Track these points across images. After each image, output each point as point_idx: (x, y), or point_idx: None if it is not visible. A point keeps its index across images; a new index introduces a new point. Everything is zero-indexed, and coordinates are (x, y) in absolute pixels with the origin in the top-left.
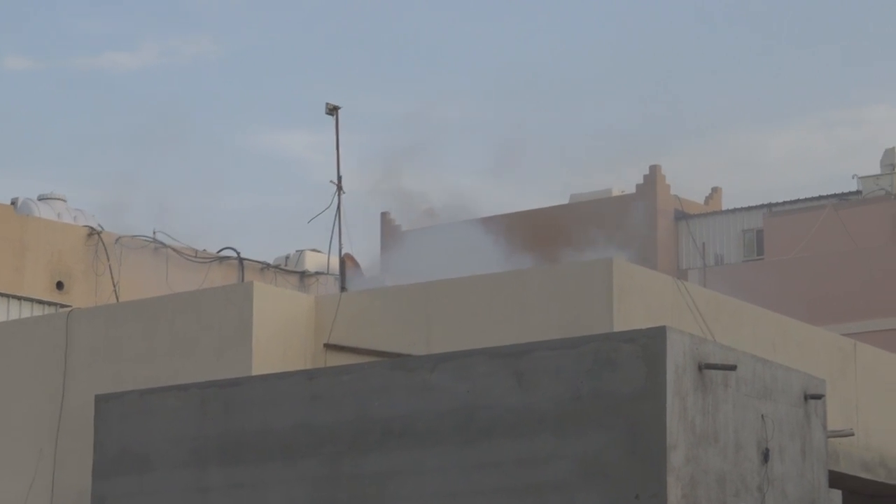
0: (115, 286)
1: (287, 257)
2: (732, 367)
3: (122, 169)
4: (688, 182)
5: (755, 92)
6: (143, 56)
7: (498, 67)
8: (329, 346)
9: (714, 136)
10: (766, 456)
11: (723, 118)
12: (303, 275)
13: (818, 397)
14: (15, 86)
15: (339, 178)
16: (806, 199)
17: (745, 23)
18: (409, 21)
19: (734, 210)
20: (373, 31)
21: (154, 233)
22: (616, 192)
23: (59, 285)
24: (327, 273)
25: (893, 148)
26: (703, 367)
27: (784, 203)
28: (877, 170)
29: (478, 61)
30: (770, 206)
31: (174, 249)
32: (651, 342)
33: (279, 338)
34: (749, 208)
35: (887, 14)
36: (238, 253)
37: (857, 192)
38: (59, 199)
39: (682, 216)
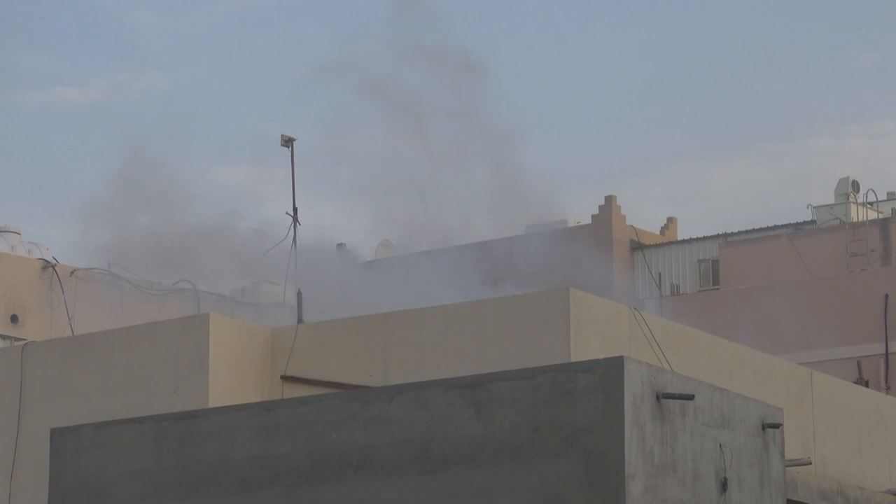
0: (70, 319)
1: (243, 289)
2: (690, 397)
3: (77, 203)
4: (642, 212)
5: (699, 124)
6: (92, 91)
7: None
8: (286, 378)
9: (662, 168)
10: (724, 485)
11: (668, 150)
12: (259, 306)
13: (776, 426)
14: None
15: (295, 209)
16: (761, 229)
17: (689, 55)
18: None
19: (690, 240)
20: (320, 63)
21: (109, 265)
22: (571, 223)
23: (14, 318)
24: (284, 305)
25: (848, 177)
26: (661, 397)
27: (739, 233)
28: (830, 199)
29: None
30: (725, 235)
31: (129, 282)
32: (608, 372)
33: (236, 370)
34: (704, 238)
35: (828, 48)
36: (194, 285)
37: (812, 222)
38: (13, 232)
39: (637, 246)
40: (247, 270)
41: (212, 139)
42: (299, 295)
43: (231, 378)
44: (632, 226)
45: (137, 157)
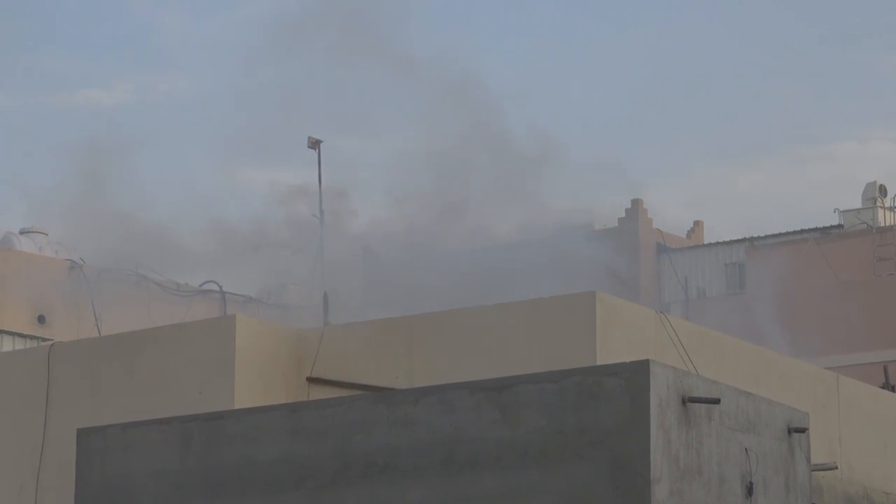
0: (96, 319)
1: (269, 290)
2: (716, 401)
3: (101, 204)
4: (668, 216)
5: (723, 128)
6: (117, 93)
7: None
8: (312, 380)
9: (687, 172)
10: (750, 490)
11: (693, 154)
12: (285, 307)
13: (802, 430)
14: None
15: (322, 211)
16: (788, 233)
17: (713, 60)
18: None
19: (716, 244)
20: (349, 64)
21: (136, 266)
22: (598, 226)
23: (41, 319)
24: (309, 306)
25: (875, 182)
26: (687, 401)
27: (766, 237)
28: (857, 204)
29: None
30: (752, 239)
31: (156, 283)
32: (634, 376)
33: (261, 371)
34: (731, 242)
35: (852, 52)
36: (220, 286)
37: (839, 226)
38: (40, 232)
39: (664, 249)
40: (206, 271)
41: (235, 140)
42: (325, 297)
43: (257, 379)
44: (658, 229)
45: (95, 154)
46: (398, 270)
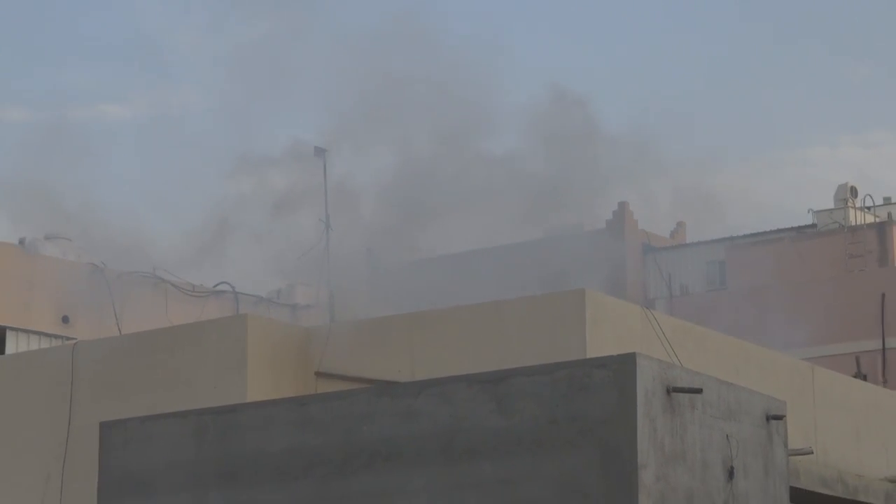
0: (117, 320)
1: (279, 291)
2: (698, 391)
3: (121, 213)
4: (653, 217)
5: (701, 135)
6: (135, 106)
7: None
8: (320, 374)
9: (669, 175)
10: (731, 473)
11: (674, 159)
12: (294, 307)
13: (779, 418)
14: (14, 135)
15: (328, 216)
16: (765, 233)
17: (690, 67)
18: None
19: (698, 243)
20: (357, 77)
21: (154, 269)
22: (587, 228)
23: (65, 319)
24: (317, 306)
25: (847, 183)
26: (671, 391)
27: (744, 236)
28: (829, 205)
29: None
30: (731, 239)
31: (173, 284)
32: (622, 368)
33: (272, 366)
34: (712, 241)
35: (825, 56)
36: (233, 287)
37: (813, 226)
38: (64, 238)
39: (649, 249)
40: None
41: (253, 148)
42: (332, 297)
43: (268, 374)
44: (643, 230)
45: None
46: (399, 266)
